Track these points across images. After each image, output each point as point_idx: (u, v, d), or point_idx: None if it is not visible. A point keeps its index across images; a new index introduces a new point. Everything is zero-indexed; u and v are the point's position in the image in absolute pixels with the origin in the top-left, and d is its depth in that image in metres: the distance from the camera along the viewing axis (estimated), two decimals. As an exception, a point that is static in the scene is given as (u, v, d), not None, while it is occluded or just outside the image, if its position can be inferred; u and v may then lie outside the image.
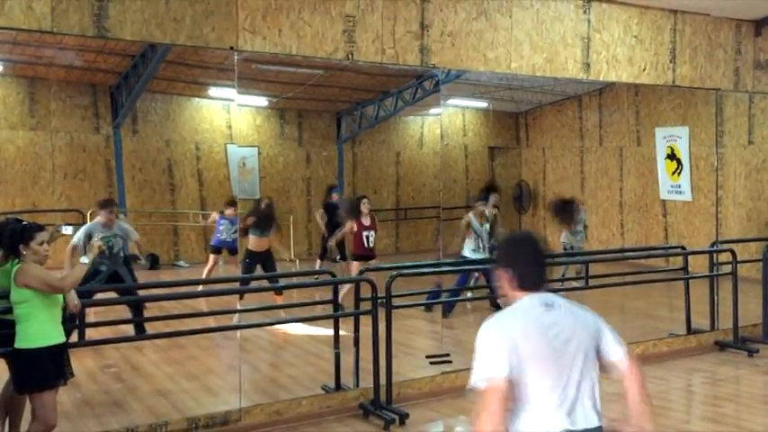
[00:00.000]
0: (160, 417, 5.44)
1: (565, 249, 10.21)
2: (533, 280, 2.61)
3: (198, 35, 5.25)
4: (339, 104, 14.80)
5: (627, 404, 2.63)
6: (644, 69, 7.26)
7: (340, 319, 6.11)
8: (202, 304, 7.82)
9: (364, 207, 8.86)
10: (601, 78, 7.10)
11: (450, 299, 8.59)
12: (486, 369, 2.40)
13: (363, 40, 5.88)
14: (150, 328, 7.13)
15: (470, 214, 9.27)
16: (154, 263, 12.41)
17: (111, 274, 7.60)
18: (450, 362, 6.52)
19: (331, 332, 6.09)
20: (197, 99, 13.89)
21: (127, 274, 7.84)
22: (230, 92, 11.92)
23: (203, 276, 9.93)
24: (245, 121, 14.27)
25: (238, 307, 7.38)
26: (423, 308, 8.72)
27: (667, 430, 5.45)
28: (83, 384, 6.42)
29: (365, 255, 8.83)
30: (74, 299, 4.66)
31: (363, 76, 12.39)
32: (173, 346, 7.84)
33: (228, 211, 10.60)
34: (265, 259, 9.09)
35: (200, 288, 7.53)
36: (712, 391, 6.56)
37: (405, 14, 6.03)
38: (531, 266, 2.63)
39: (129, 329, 7.15)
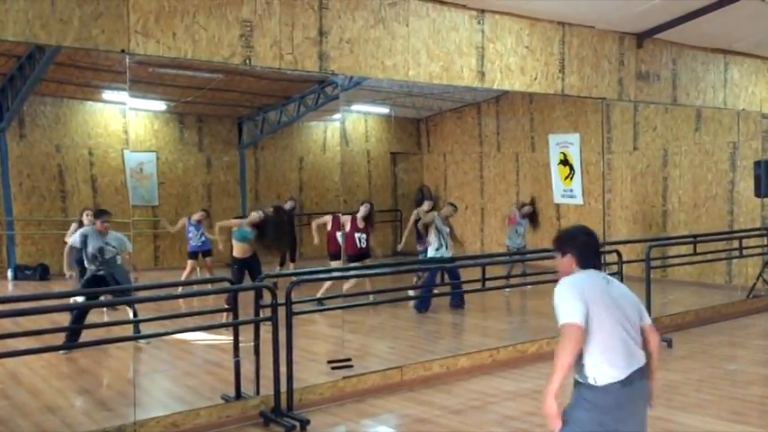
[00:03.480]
0: (48, 435, 5.21)
1: (509, 249, 11.06)
2: (593, 262, 3.27)
3: (86, 37, 5.07)
4: (240, 109, 14.61)
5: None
6: (535, 78, 7.55)
7: (242, 328, 6.03)
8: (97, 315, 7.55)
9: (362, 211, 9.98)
10: (495, 87, 7.33)
11: (424, 295, 9.36)
12: (568, 314, 3.03)
13: (261, 45, 5.84)
14: (41, 341, 6.80)
15: (435, 214, 10.02)
16: (43, 273, 11.86)
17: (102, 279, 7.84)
18: (352, 366, 6.55)
19: (230, 339, 6.00)
20: (90, 102, 13.37)
21: (120, 276, 8.00)
22: (124, 96, 11.57)
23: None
24: (142, 125, 13.85)
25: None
26: (324, 313, 8.76)
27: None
28: (-37, 403, 6.06)
29: (360, 254, 9.79)
30: None
31: (264, 81, 12.29)
32: (63, 360, 7.53)
33: (195, 216, 10.92)
34: (251, 264, 9.00)
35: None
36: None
37: (303, 20, 6.04)
38: (592, 251, 3.28)
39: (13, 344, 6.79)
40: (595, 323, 3.06)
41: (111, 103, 13.27)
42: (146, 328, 6.90)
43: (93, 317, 7.81)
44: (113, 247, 8.00)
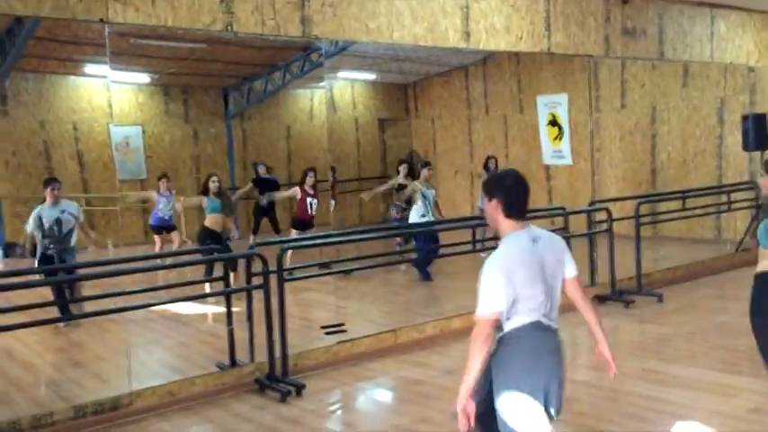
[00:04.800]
0: (45, 408, 5.22)
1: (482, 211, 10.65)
2: (519, 207, 3.08)
3: (64, 6, 4.97)
4: (226, 80, 14.44)
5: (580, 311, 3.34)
6: (521, 38, 7.48)
7: (234, 297, 6.03)
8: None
9: (309, 178, 9.86)
10: (481, 47, 7.26)
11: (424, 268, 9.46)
12: (488, 305, 2.92)
13: (242, 10, 5.74)
14: (31, 316, 6.80)
15: (416, 182, 9.81)
16: (33, 250, 11.80)
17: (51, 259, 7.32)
18: (346, 331, 6.59)
19: (224, 310, 6.01)
20: (73, 77, 13.17)
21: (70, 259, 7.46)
22: (107, 69, 11.39)
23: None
24: (126, 99, 13.69)
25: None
26: (316, 281, 8.79)
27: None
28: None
29: (308, 221, 9.74)
30: None
31: (248, 49, 12.14)
32: (57, 335, 7.53)
33: (165, 186, 10.43)
34: (221, 238, 8.77)
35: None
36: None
37: (284, -16, 5.94)
38: (518, 198, 3.09)
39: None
40: (518, 289, 2.94)
41: (94, 77, 13.07)
42: (137, 300, 6.89)
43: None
44: (70, 214, 7.49)
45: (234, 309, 5.93)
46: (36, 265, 7.45)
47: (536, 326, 3.01)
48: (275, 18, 5.90)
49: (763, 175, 4.02)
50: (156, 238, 10.41)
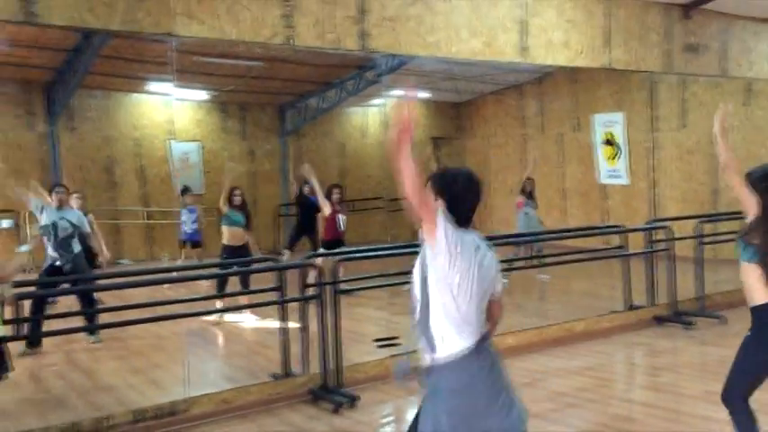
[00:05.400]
0: (104, 411, 5.33)
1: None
2: (467, 216, 2.68)
3: (132, 20, 5.14)
4: (282, 97, 14.70)
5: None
6: (580, 53, 7.41)
7: (288, 309, 6.08)
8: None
9: (336, 195, 9.69)
10: (538, 62, 7.22)
11: None
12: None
13: (302, 24, 5.85)
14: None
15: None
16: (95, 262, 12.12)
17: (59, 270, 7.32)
18: (399, 344, 6.54)
19: (278, 324, 6.05)
20: (136, 94, 13.62)
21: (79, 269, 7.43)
22: (170, 86, 11.74)
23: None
24: (186, 116, 14.06)
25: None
26: (369, 297, 8.80)
27: (610, 400, 5.61)
28: (23, 384, 6.24)
29: (338, 239, 9.44)
30: (7, 291, 4.52)
31: (305, 67, 12.34)
32: (115, 343, 7.71)
33: (189, 200, 10.36)
34: (242, 255, 8.35)
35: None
36: (651, 362, 6.76)
37: (343, -1, 6.03)
38: (465, 201, 2.68)
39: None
40: (460, 294, 2.58)
41: (156, 94, 13.49)
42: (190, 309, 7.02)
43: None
44: (69, 222, 7.35)
45: (275, 323, 5.95)
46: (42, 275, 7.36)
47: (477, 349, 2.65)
48: (334, 32, 5.98)
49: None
50: (183, 252, 10.34)
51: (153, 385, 6.36)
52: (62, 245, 7.31)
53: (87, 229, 7.73)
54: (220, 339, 8.12)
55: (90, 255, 7.90)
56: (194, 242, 10.29)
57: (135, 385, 6.32)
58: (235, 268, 7.80)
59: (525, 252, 9.45)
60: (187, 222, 10.24)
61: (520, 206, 10.86)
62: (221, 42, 10.13)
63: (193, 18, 5.36)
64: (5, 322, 4.77)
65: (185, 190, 10.68)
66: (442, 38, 6.55)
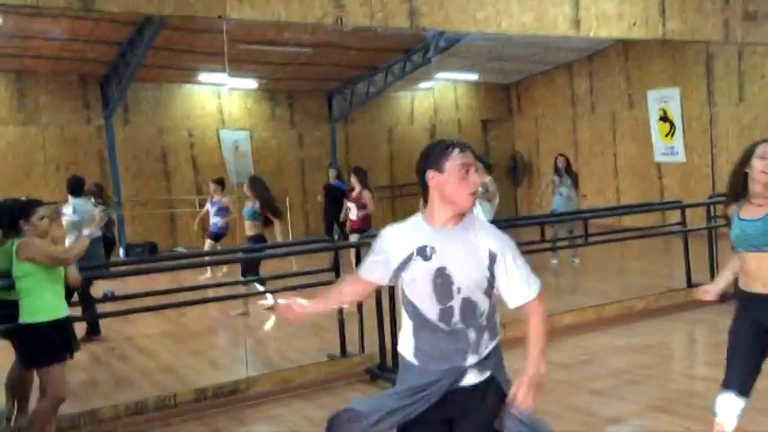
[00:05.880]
0: (168, 391, 5.45)
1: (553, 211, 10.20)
2: None
3: (185, 5, 5.21)
4: (329, 83, 14.74)
5: None
6: (634, 24, 7.23)
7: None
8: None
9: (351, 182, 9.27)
10: (591, 35, 7.07)
11: None
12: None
13: (351, 3, 5.83)
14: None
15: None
16: (152, 250, 12.41)
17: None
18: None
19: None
20: (187, 85, 13.83)
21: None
22: (220, 76, 11.89)
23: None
24: (235, 104, 14.22)
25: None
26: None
27: (672, 375, 5.50)
28: (87, 367, 6.43)
29: (354, 227, 9.07)
30: (74, 272, 4.65)
31: (352, 51, 12.35)
32: (174, 326, 7.88)
33: (216, 195, 9.99)
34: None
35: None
36: (713, 338, 6.55)
37: (391, -22, 5.99)
38: None
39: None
40: None
41: (207, 84, 13.68)
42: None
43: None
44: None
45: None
46: None
47: None
48: (384, 10, 5.96)
49: None
50: (207, 243, 10.03)
51: (213, 366, 6.49)
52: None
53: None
54: (277, 323, 8.20)
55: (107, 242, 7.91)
56: (216, 235, 9.93)
57: (195, 366, 6.46)
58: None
59: (563, 233, 9.18)
60: (213, 217, 9.94)
61: (555, 187, 10.37)
62: (271, 27, 10.27)
63: (244, 1, 5.40)
64: (71, 305, 4.91)
65: (213, 181, 10.30)
66: (492, 13, 6.46)
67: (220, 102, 14.00)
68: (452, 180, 2.46)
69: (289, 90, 14.54)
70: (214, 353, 7.04)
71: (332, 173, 11.71)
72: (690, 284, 7.78)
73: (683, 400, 4.88)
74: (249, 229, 7.94)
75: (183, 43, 11.42)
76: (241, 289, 7.63)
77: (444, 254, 2.48)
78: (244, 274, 7.41)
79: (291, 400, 5.41)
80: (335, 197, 10.69)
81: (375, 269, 2.63)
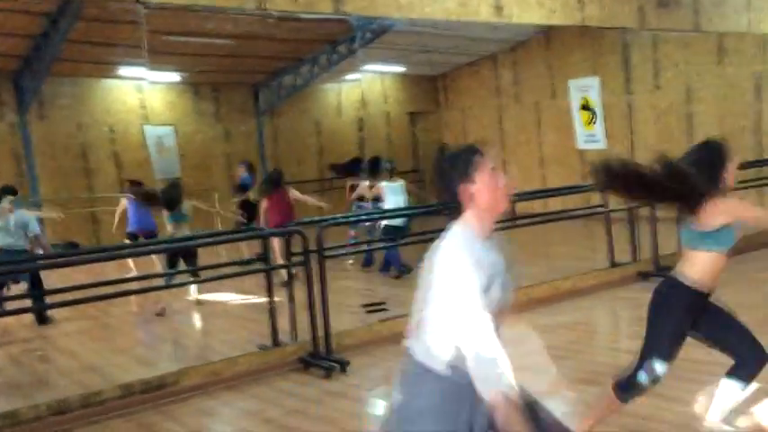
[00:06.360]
0: (92, 389, 5.25)
1: None
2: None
3: (99, -12, 5.03)
4: (255, 76, 14.53)
5: None
6: (554, 11, 7.37)
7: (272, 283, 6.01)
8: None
9: None
10: (514, 21, 7.16)
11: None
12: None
13: (274, -12, 5.75)
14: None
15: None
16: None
17: None
18: (387, 310, 6.55)
19: (262, 299, 5.99)
20: (107, 80, 13.38)
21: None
22: (141, 70, 11.54)
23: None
24: (158, 99, 13.86)
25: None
26: (352, 268, 8.77)
27: (598, 350, 5.65)
28: (5, 369, 6.17)
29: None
30: None
31: (277, 43, 12.20)
32: (97, 325, 7.63)
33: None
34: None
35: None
36: (636, 313, 6.73)
37: (314, -37, 5.93)
38: None
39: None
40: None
41: (127, 79, 13.28)
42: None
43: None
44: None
45: (259, 298, 5.90)
46: None
47: None
48: (307, -4, 5.89)
49: None
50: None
51: (139, 362, 6.30)
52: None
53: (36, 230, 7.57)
54: (204, 317, 8.04)
55: None
56: (135, 236, 9.59)
57: (120, 364, 6.25)
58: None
59: None
60: (132, 217, 9.64)
61: None
62: (192, 18, 10.04)
63: (162, -16, 5.26)
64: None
65: (136, 183, 9.94)
66: (416, -1, 6.47)
67: (143, 96, 13.62)
68: (488, 189, 2.36)
69: (213, 83, 14.26)
70: (140, 350, 6.84)
71: (240, 168, 11.26)
72: (613, 264, 8.03)
73: (609, 372, 4.98)
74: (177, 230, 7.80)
75: (101, 35, 11.03)
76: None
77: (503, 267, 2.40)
78: (173, 266, 7.23)
79: (221, 392, 5.30)
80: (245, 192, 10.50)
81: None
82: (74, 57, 11.76)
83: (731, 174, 3.41)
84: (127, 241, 9.58)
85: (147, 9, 5.48)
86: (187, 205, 7.88)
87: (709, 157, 3.41)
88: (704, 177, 3.32)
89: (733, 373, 3.56)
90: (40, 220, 9.00)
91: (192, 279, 7.19)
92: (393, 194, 9.13)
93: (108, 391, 5.13)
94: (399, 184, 9.32)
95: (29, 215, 7.56)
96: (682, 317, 3.50)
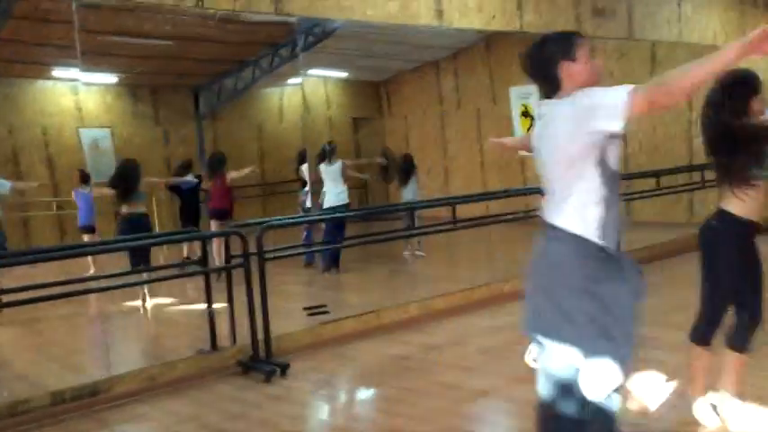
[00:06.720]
0: (20, 396, 5.05)
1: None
2: None
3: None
4: (195, 78, 14.29)
5: None
6: (493, 17, 7.48)
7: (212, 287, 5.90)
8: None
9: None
10: (454, 26, 7.24)
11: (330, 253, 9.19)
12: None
13: (213, -14, 5.67)
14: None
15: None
16: (3, 256, 11.51)
17: None
18: (328, 312, 6.51)
19: (202, 306, 5.88)
20: (40, 81, 12.98)
21: None
22: (75, 72, 11.21)
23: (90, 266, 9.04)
24: (93, 101, 13.50)
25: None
26: (296, 267, 8.75)
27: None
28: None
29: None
30: None
31: (217, 45, 12.04)
32: (30, 333, 7.35)
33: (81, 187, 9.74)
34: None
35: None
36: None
37: (255, -38, 5.87)
38: None
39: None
40: None
41: (62, 80, 12.90)
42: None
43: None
44: None
45: (198, 304, 5.81)
46: None
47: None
48: (247, -5, 5.83)
49: None
50: (85, 238, 9.65)
51: (73, 370, 6.09)
52: None
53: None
54: (143, 322, 7.85)
55: None
56: (91, 228, 9.71)
57: (53, 371, 6.03)
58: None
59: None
60: (83, 208, 9.69)
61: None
62: (129, 17, 9.83)
63: (96, -21, 5.11)
64: None
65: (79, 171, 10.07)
66: (357, 1, 6.48)
67: (78, 98, 13.24)
68: (587, 70, 2.59)
69: (152, 85, 13.98)
70: (74, 357, 6.61)
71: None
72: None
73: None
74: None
75: (34, 35, 10.68)
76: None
77: None
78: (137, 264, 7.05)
79: (158, 397, 5.17)
80: (191, 191, 10.40)
81: None
82: (4, 56, 11.36)
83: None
84: (85, 236, 9.51)
85: (81, 7, 5.31)
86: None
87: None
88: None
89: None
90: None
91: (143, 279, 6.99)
92: (329, 178, 9.48)
93: (37, 398, 4.94)
94: (336, 166, 9.53)
95: None
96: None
